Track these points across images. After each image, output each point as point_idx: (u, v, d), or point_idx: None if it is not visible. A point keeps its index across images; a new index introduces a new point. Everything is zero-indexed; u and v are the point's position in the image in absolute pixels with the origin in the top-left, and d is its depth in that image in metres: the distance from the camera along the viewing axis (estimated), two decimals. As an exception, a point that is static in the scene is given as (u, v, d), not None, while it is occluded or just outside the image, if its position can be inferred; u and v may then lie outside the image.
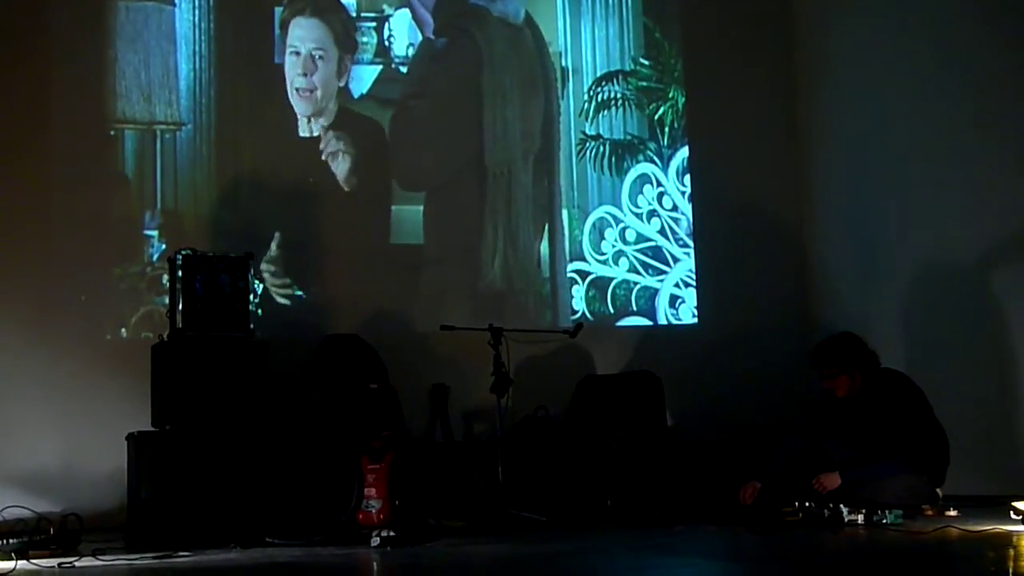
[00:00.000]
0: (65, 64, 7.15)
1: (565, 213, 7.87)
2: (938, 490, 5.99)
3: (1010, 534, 5.08)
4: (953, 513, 5.76)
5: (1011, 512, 5.42)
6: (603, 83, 8.02)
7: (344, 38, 7.67)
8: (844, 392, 6.13)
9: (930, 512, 5.84)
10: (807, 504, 5.81)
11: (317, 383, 6.84)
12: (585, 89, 7.99)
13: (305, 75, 7.56)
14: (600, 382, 7.40)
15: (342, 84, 7.63)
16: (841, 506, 5.64)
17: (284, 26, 7.57)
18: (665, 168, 8.03)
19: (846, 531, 5.50)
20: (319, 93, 7.57)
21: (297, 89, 7.54)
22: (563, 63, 7.98)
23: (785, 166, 8.28)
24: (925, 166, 7.16)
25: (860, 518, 5.57)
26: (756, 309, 7.97)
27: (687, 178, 8.05)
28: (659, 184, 8.02)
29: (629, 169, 7.98)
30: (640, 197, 7.98)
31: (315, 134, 7.54)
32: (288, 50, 7.55)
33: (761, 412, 7.35)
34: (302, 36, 7.59)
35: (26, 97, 7.06)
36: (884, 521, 5.51)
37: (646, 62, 8.11)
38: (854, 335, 6.24)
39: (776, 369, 7.61)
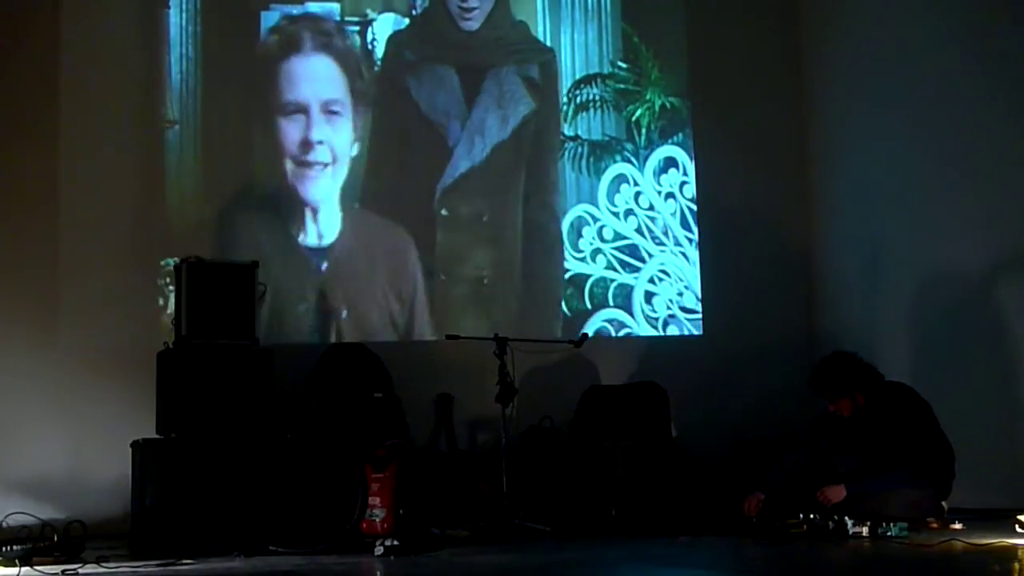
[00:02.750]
0: (74, 63, 7.18)
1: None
2: (943, 503, 5.98)
3: (1015, 548, 5.06)
4: (958, 526, 5.74)
5: (1016, 526, 5.41)
6: (582, 86, 8.07)
7: (358, 82, 7.21)
8: (849, 412, 6.12)
9: (935, 525, 5.82)
10: (811, 516, 5.78)
11: (322, 391, 6.84)
12: (564, 92, 8.02)
13: (318, 143, 6.93)
14: (605, 392, 7.39)
15: (355, 152, 7.11)
16: (845, 518, 5.62)
17: (271, 69, 7.25)
18: (642, 168, 8.07)
19: (850, 543, 5.48)
20: (332, 169, 7.12)
21: (305, 165, 7.08)
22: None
23: (791, 177, 8.26)
24: (931, 176, 7.15)
25: (864, 530, 5.55)
26: (761, 321, 7.97)
27: (663, 178, 8.08)
28: (635, 184, 8.05)
29: (606, 169, 8.02)
30: (617, 196, 8.02)
31: (324, 243, 7.15)
32: (285, 107, 7.21)
33: (766, 424, 7.33)
34: (306, 83, 7.14)
35: (32, 98, 7.10)
36: (888, 534, 5.49)
37: (624, 65, 8.15)
38: (848, 355, 6.19)
39: (781, 380, 7.58)
